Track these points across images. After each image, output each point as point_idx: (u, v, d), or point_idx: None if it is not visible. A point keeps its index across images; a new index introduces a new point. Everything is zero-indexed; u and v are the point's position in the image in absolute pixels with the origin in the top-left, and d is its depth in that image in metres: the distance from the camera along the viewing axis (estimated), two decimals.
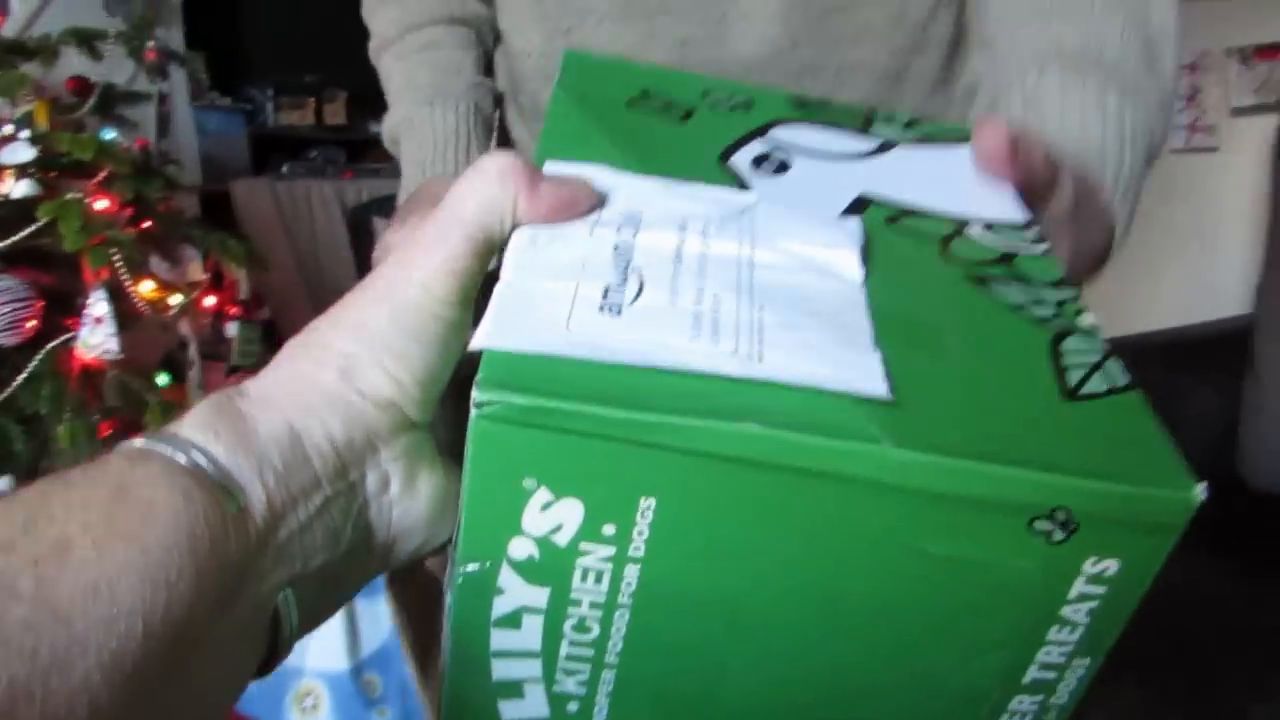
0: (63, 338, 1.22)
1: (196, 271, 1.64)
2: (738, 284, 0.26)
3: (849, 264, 0.27)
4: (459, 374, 0.27)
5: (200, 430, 0.24)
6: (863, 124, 0.37)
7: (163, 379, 1.40)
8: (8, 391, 1.17)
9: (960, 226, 0.31)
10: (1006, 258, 0.30)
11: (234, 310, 1.81)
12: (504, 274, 0.25)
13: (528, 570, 0.24)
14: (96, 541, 0.20)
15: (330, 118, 3.19)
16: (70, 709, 0.19)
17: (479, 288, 0.27)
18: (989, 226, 0.31)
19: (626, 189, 0.29)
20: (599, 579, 0.24)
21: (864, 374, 0.23)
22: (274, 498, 0.23)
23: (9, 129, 1.24)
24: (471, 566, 0.24)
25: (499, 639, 0.25)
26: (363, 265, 3.06)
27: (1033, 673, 0.26)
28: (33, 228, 1.17)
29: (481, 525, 0.23)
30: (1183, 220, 1.90)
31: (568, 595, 0.24)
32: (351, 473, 0.25)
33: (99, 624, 0.20)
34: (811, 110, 0.38)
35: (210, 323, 1.73)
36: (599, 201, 0.28)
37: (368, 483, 0.26)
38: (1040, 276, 0.29)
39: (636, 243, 0.27)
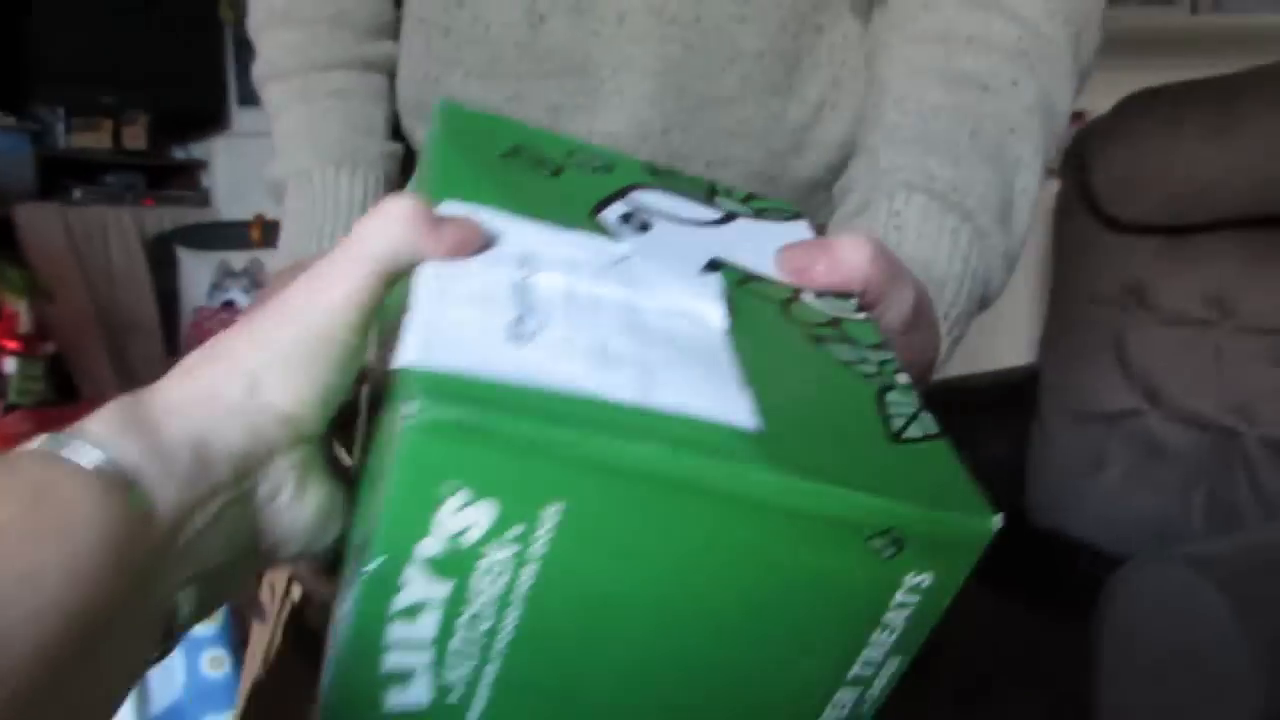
0: None
1: None
2: (627, 325, 0.29)
3: (714, 314, 0.31)
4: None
5: (110, 432, 0.25)
6: (707, 195, 0.41)
7: None
8: None
9: (796, 293, 0.35)
10: (835, 321, 0.35)
11: (12, 344, 1.67)
12: (416, 302, 0.28)
13: (433, 567, 0.26)
14: (22, 535, 0.22)
15: (130, 141, 3.00)
16: None
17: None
18: (819, 295, 0.36)
19: (517, 232, 0.32)
20: (498, 577, 0.26)
21: (737, 408, 0.27)
22: (179, 502, 0.25)
23: None
24: (376, 563, 0.26)
25: (395, 631, 0.27)
26: (165, 298, 2.89)
27: (855, 669, 0.30)
28: None
29: (397, 524, 0.25)
30: None
31: (466, 591, 0.26)
32: (248, 480, 0.28)
33: (30, 614, 0.21)
34: (662, 177, 0.41)
35: None
36: (491, 242, 0.31)
37: (261, 490, 0.28)
38: (864, 339, 0.34)
39: (534, 282, 0.30)
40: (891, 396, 0.31)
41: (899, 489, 0.27)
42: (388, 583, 0.26)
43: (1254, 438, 1.32)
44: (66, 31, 2.79)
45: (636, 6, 0.55)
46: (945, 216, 0.49)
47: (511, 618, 0.27)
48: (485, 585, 0.26)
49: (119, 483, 0.24)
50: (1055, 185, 1.70)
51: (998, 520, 0.27)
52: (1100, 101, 1.60)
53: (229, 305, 2.84)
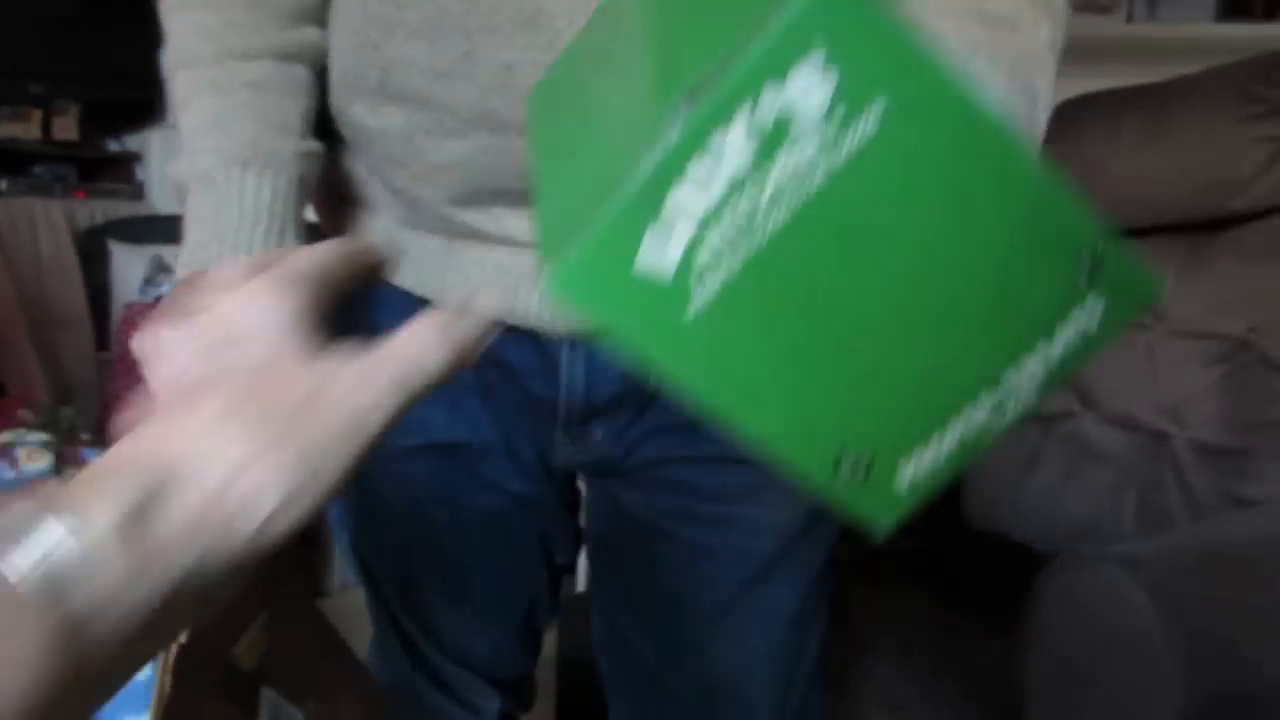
0: None
1: None
2: None
3: None
4: None
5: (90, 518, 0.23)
6: None
7: None
8: None
9: None
10: None
11: None
12: None
13: (751, 131, 0.28)
14: None
15: (60, 132, 2.92)
16: None
17: None
18: None
19: None
20: (799, 166, 0.28)
21: None
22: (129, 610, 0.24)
23: None
24: (706, 107, 0.27)
25: (679, 192, 0.28)
26: (96, 294, 2.82)
27: (1010, 373, 0.35)
28: None
29: (758, 68, 0.27)
30: None
31: (764, 168, 0.28)
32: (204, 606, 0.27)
33: None
34: None
35: None
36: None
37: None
38: None
39: None
40: None
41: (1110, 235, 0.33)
42: (698, 137, 0.27)
43: (1184, 440, 1.34)
44: None
45: None
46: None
47: (785, 212, 0.29)
48: (783, 169, 0.28)
49: (54, 600, 0.22)
50: None
51: (1168, 288, 0.34)
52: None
53: (162, 300, 2.77)
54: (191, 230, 0.56)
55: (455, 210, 0.63)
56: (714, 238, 0.29)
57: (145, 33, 0.65)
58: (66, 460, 0.64)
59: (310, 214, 0.76)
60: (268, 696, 0.51)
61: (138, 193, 3.09)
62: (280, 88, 0.59)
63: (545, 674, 1.67)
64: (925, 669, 1.15)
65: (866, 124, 0.28)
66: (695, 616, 0.77)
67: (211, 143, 0.57)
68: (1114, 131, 1.43)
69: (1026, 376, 0.35)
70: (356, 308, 0.71)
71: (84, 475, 0.25)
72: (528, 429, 0.73)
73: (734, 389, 0.32)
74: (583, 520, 0.84)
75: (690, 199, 0.28)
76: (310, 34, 0.60)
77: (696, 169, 0.28)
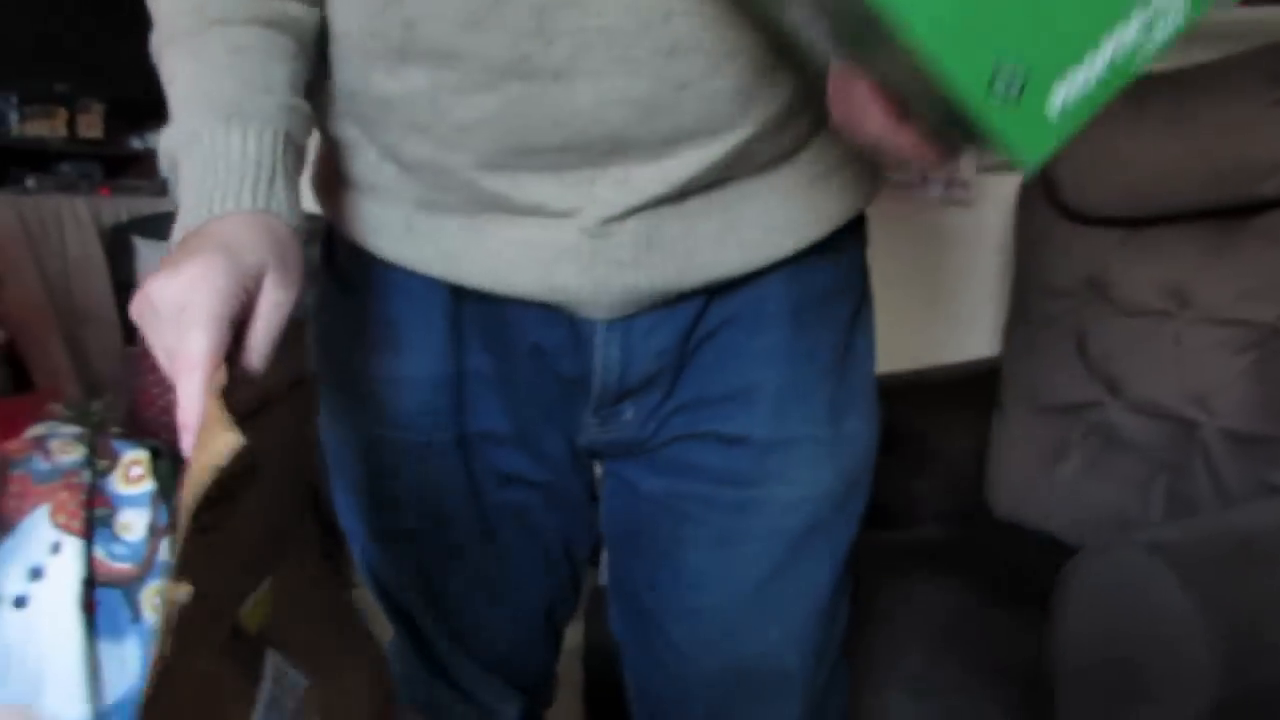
0: None
1: None
2: None
3: None
4: None
5: None
6: None
7: None
8: None
9: None
10: None
11: None
12: None
13: None
14: None
15: (85, 130, 2.95)
16: None
17: None
18: None
19: None
20: None
21: None
22: None
23: None
24: None
25: None
26: (121, 288, 2.84)
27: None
28: None
29: None
30: (940, 267, 2.04)
31: None
32: None
33: None
34: None
35: None
36: None
37: None
38: None
39: None
40: None
41: None
42: None
43: (1213, 429, 1.33)
44: (18, 18, 2.73)
45: None
46: None
47: None
48: None
49: None
50: (1018, 177, 1.71)
51: None
52: None
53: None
54: (184, 194, 0.54)
55: (482, 175, 0.61)
56: None
57: None
58: (99, 452, 0.64)
59: (313, 205, 0.75)
60: (272, 660, 0.51)
61: (162, 189, 3.11)
62: (263, 51, 0.57)
63: (571, 664, 1.67)
64: (954, 657, 1.15)
65: None
66: (728, 597, 0.76)
67: (195, 106, 0.55)
68: (1138, 119, 1.42)
69: None
70: (372, 298, 0.71)
71: None
72: (553, 414, 0.73)
73: None
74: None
75: None
76: (294, 8, 0.59)
77: None
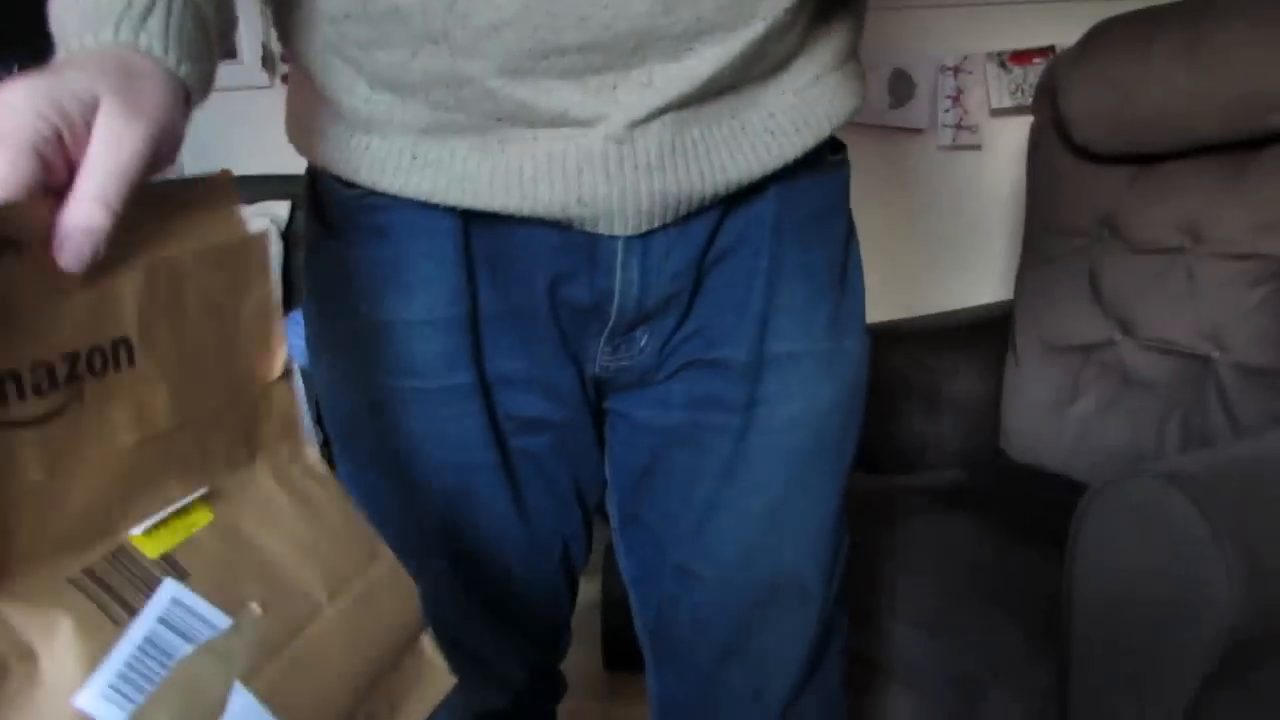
0: None
1: None
2: None
3: None
4: None
5: None
6: None
7: None
8: None
9: None
10: None
11: None
12: None
13: None
14: None
15: None
16: None
17: None
18: None
19: None
20: None
21: None
22: None
23: None
24: None
25: None
26: None
27: None
28: None
29: None
30: (951, 212, 2.03)
31: None
32: None
33: None
34: None
35: None
36: None
37: None
38: None
39: None
40: None
41: None
42: None
43: (1227, 364, 1.33)
44: None
45: None
46: None
47: None
48: None
49: None
50: (1028, 120, 1.69)
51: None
52: (1069, 34, 1.59)
53: None
54: (63, 33, 0.47)
55: (504, 84, 0.60)
56: None
57: None
58: None
59: (299, 162, 0.73)
60: (169, 592, 0.41)
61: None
62: None
63: (590, 615, 1.69)
64: (971, 594, 1.16)
65: None
66: (743, 519, 0.77)
67: None
68: (1145, 52, 1.40)
69: None
70: (372, 241, 0.69)
71: None
72: (566, 347, 0.72)
73: None
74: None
75: None
76: None
77: None
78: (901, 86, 1.96)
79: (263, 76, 2.21)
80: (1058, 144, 1.59)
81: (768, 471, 0.75)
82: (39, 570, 0.37)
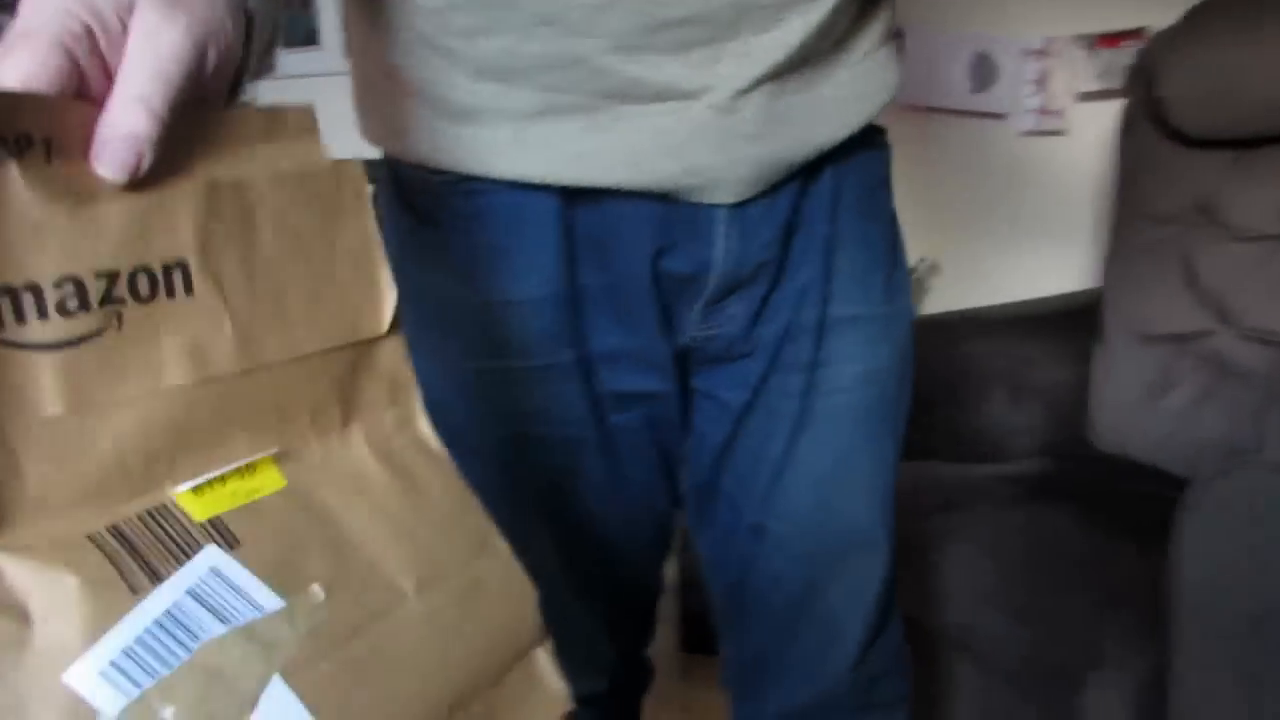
0: None
1: None
2: None
3: None
4: None
5: None
6: None
7: None
8: None
9: None
10: None
11: None
12: None
13: None
14: None
15: None
16: None
17: None
18: None
19: None
20: None
21: None
22: None
23: None
24: None
25: None
26: None
27: None
28: None
29: None
30: (1034, 199, 1.99)
31: None
32: None
33: None
34: None
35: None
36: None
37: None
38: None
39: None
40: None
41: None
42: None
43: None
44: None
45: None
46: None
47: None
48: None
49: None
50: (1114, 104, 1.65)
51: None
52: (1161, 17, 1.55)
53: None
54: None
55: (617, 61, 0.61)
56: None
57: None
58: None
59: (367, 149, 0.71)
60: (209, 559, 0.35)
61: None
62: None
63: (668, 598, 1.70)
64: (1061, 583, 1.14)
65: None
66: (818, 475, 0.79)
67: None
68: (1254, 34, 1.36)
69: None
70: (470, 224, 0.69)
71: None
72: (661, 318, 0.73)
73: None
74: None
75: None
76: None
77: None
78: (983, 71, 1.93)
79: (345, 63, 2.23)
80: (1151, 127, 1.55)
81: (834, 429, 0.78)
82: (53, 520, 0.31)
